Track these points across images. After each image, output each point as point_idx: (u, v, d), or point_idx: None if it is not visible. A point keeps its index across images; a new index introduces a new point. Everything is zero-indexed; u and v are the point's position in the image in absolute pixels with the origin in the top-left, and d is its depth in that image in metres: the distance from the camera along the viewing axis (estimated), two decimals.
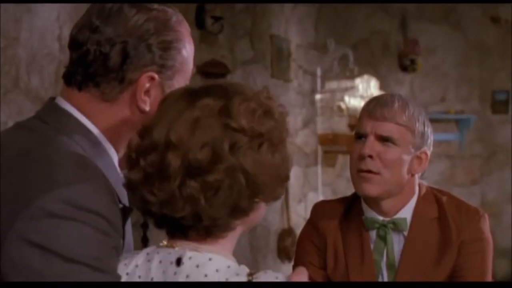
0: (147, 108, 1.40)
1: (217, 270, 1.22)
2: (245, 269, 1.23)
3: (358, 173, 2.04)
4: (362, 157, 2.01)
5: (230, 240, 1.30)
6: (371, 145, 2.01)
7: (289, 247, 5.49)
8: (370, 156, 2.00)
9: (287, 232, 5.57)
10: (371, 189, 2.02)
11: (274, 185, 1.28)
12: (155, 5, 1.43)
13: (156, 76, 1.40)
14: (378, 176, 2.01)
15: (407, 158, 2.02)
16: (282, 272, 1.25)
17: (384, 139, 2.01)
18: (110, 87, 1.39)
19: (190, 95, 1.28)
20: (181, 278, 1.22)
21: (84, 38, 1.38)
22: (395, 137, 2.00)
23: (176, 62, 1.43)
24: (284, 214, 5.58)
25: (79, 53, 1.39)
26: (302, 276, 1.25)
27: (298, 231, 5.70)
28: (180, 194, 1.22)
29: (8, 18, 2.95)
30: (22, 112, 2.99)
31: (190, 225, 1.24)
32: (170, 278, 1.24)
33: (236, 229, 1.29)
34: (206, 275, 1.21)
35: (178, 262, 1.23)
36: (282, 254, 5.50)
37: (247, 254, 5.00)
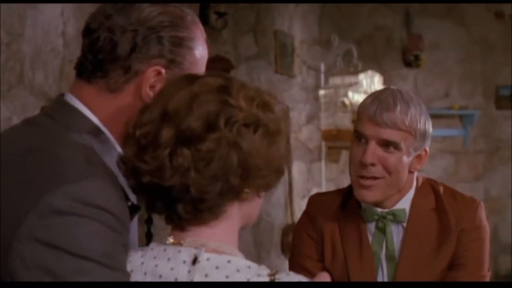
0: None
1: (238, 271, 1.20)
2: (265, 269, 1.21)
3: (359, 179, 2.02)
4: (364, 165, 2.00)
5: (227, 227, 1.27)
6: (373, 152, 1.99)
7: None
8: (373, 164, 1.99)
9: (291, 227, 5.57)
10: (371, 196, 2.02)
11: (267, 172, 1.25)
12: (173, 4, 1.42)
13: (163, 71, 1.38)
14: (381, 180, 2.00)
15: (408, 160, 2.01)
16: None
17: (386, 144, 1.99)
18: (116, 76, 1.37)
19: (190, 77, 1.29)
20: (198, 277, 1.21)
21: (97, 25, 1.38)
22: (397, 141, 1.98)
23: (185, 60, 1.40)
24: (288, 210, 5.59)
25: (90, 39, 1.39)
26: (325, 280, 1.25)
27: None
28: (170, 162, 1.20)
29: (12, 14, 2.95)
30: (26, 108, 3.00)
31: (179, 198, 1.21)
32: (183, 277, 1.22)
33: (229, 215, 1.26)
34: (227, 276, 1.20)
35: (194, 261, 1.22)
36: (286, 249, 5.50)
37: (251, 249, 5.01)
